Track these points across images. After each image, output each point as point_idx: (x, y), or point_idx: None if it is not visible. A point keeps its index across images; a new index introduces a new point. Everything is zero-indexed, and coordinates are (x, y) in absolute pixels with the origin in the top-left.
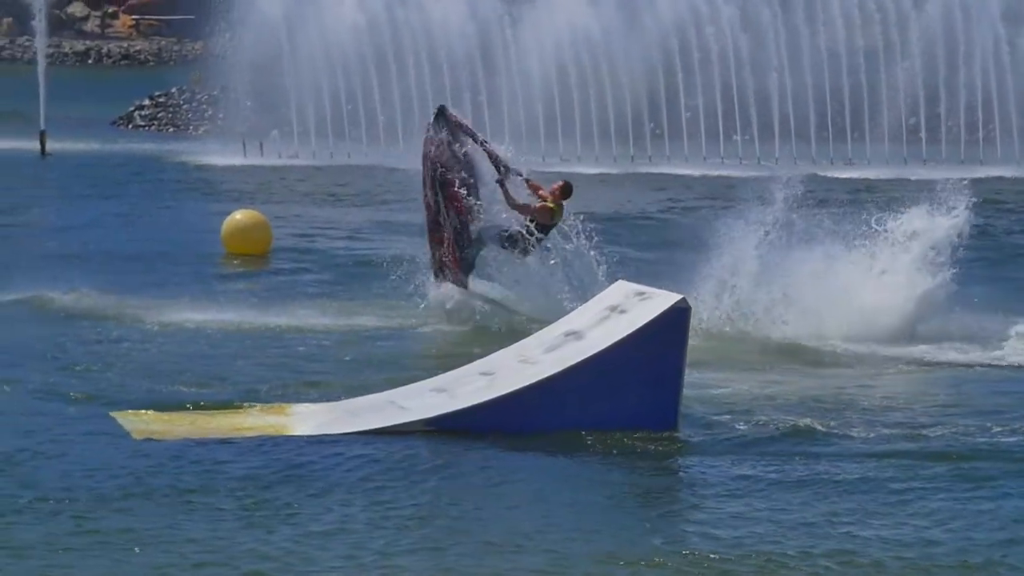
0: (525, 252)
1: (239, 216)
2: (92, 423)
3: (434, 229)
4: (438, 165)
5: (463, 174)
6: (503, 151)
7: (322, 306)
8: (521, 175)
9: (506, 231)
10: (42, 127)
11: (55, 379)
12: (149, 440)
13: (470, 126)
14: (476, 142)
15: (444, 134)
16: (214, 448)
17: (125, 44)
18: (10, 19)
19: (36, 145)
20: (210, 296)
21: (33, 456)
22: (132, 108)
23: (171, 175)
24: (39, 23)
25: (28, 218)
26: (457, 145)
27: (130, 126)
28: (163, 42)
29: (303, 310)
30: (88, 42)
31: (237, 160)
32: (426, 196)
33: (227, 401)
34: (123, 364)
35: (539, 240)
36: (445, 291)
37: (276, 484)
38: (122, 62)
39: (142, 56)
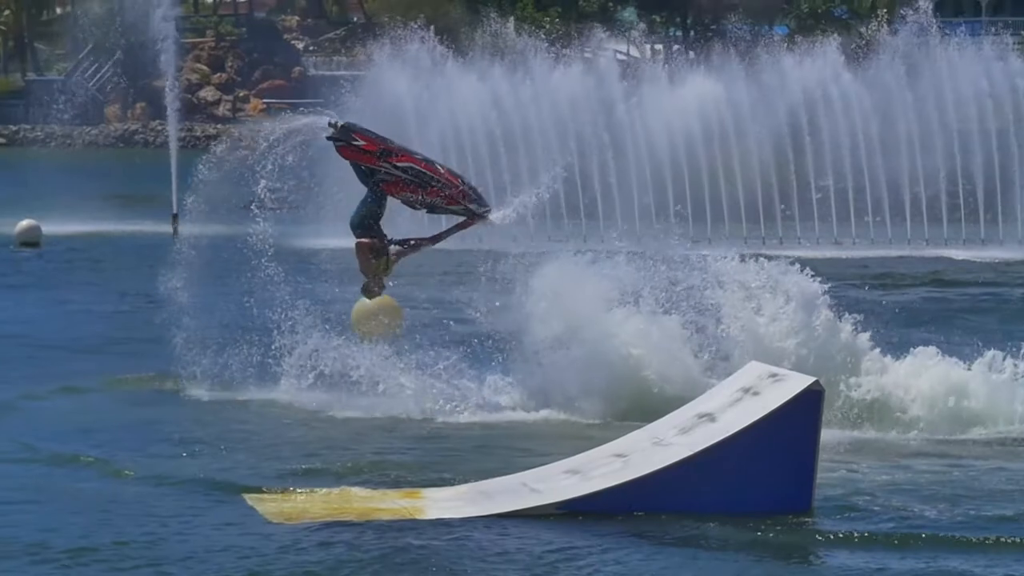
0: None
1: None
2: (222, 504)
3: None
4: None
5: (444, 193)
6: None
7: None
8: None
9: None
10: (174, 210)
11: (181, 461)
12: (281, 523)
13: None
14: (446, 231)
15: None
16: (345, 531)
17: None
18: (143, 104)
19: (168, 228)
20: (335, 378)
21: (161, 539)
22: (262, 190)
23: (299, 256)
24: (171, 108)
25: (154, 300)
26: (475, 206)
27: (261, 208)
28: None
29: (432, 392)
30: (219, 126)
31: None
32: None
33: (357, 484)
34: (249, 446)
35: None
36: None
37: (406, 568)
38: None
39: None
